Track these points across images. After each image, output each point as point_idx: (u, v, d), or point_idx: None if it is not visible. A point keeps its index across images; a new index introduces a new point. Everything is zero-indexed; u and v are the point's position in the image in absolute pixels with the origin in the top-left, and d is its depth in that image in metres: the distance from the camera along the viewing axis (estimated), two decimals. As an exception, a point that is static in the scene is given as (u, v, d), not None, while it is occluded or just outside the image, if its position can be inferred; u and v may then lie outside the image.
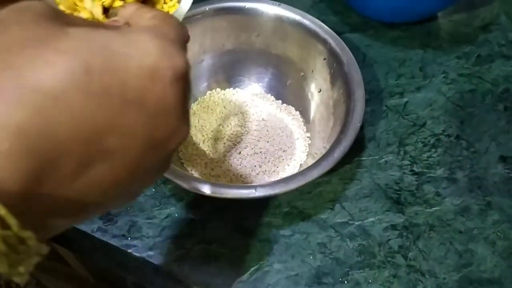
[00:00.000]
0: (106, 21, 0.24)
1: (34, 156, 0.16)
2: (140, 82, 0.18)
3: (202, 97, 0.47)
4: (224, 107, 0.46)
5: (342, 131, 0.38)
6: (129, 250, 0.40)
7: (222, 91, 0.48)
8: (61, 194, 0.17)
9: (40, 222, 0.17)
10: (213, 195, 0.35)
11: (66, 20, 0.18)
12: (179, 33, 0.21)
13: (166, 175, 0.35)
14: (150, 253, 0.40)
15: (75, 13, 0.27)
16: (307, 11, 0.45)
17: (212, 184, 0.35)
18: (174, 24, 0.21)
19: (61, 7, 0.27)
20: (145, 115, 0.18)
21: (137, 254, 0.40)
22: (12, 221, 0.15)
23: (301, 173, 0.36)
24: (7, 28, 0.17)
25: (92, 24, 0.20)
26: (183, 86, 0.19)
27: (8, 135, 0.15)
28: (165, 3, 0.32)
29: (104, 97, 0.17)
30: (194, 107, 0.47)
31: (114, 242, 0.40)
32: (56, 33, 0.17)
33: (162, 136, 0.19)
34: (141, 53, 0.18)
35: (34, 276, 0.56)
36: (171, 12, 0.30)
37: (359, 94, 0.39)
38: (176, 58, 0.19)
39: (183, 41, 0.21)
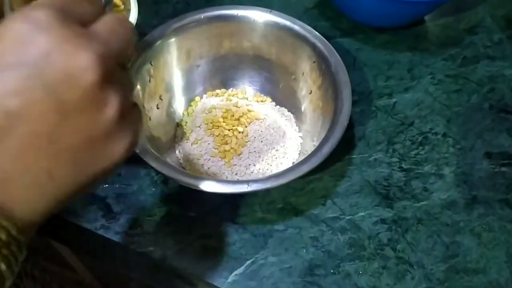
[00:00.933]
0: None
1: None
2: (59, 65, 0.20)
3: (198, 100, 0.50)
4: (220, 109, 0.48)
5: (330, 129, 0.40)
6: (131, 247, 0.42)
7: (217, 93, 0.50)
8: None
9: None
10: (209, 190, 0.37)
11: None
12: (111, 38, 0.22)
13: (165, 172, 0.38)
14: (151, 248, 0.42)
15: None
16: (300, 18, 0.47)
17: (209, 180, 0.37)
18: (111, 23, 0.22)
19: None
20: (82, 105, 0.20)
21: (139, 250, 0.42)
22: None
23: (291, 169, 0.38)
24: None
25: None
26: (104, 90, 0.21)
27: None
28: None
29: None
30: (190, 109, 0.49)
31: (117, 239, 0.43)
32: None
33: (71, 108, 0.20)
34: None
35: (39, 281, 0.58)
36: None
37: (347, 94, 0.41)
38: (89, 55, 0.21)
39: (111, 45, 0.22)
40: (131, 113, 0.23)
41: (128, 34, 0.23)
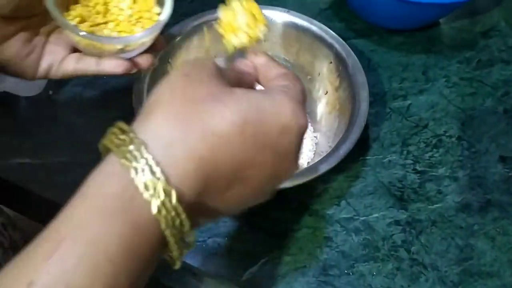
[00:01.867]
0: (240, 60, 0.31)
1: (204, 179, 0.22)
2: (276, 134, 0.24)
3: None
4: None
5: (348, 130, 0.40)
6: (145, 243, 0.42)
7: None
8: (211, 203, 0.24)
9: (194, 222, 0.23)
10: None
11: (227, 78, 0.25)
12: (303, 96, 0.28)
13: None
14: (166, 245, 0.42)
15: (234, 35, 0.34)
16: (315, 18, 0.48)
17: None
18: (300, 87, 0.28)
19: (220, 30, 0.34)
20: (275, 157, 0.25)
21: (153, 247, 0.42)
22: (187, 223, 0.22)
23: (308, 168, 0.38)
24: (192, 82, 0.24)
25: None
26: (302, 138, 0.26)
27: (194, 162, 0.22)
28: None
29: (253, 141, 0.23)
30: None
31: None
32: (225, 92, 0.24)
33: (281, 171, 0.26)
34: (280, 112, 0.24)
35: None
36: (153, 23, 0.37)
37: (364, 95, 0.42)
38: (302, 119, 0.25)
39: (304, 102, 0.28)
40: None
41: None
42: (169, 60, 0.45)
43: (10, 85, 0.47)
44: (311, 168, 0.38)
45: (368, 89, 0.42)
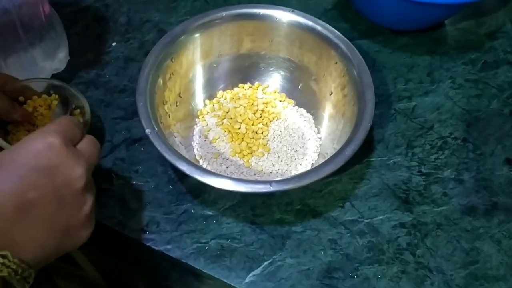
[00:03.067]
0: None
1: None
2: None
3: (218, 97, 0.49)
4: (239, 105, 0.48)
5: (353, 131, 0.39)
6: (147, 244, 0.42)
7: (238, 90, 0.50)
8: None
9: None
10: (232, 189, 0.36)
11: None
12: (70, 130, 0.33)
13: (186, 171, 0.37)
14: (168, 246, 0.42)
15: None
16: (319, 18, 0.47)
17: (230, 179, 0.37)
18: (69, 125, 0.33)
19: None
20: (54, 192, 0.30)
21: (155, 248, 0.42)
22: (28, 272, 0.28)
23: (314, 170, 0.37)
24: None
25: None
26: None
27: None
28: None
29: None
30: (210, 107, 0.49)
31: (133, 236, 0.42)
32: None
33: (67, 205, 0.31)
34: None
35: (50, 279, 0.58)
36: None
37: (369, 96, 0.41)
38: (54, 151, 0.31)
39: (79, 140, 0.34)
40: (94, 210, 0.33)
41: (98, 151, 0.34)
42: (172, 60, 0.44)
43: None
44: (316, 169, 0.37)
45: (374, 90, 0.42)
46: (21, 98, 0.45)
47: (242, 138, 0.46)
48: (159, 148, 0.38)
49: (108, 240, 0.45)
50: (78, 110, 0.45)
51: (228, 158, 0.45)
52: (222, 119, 0.47)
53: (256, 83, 0.50)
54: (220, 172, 0.44)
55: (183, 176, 0.45)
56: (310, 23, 0.46)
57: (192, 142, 0.47)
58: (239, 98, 0.48)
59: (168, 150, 0.38)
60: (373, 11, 0.56)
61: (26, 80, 0.45)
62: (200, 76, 0.48)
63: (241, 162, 0.45)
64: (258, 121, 0.47)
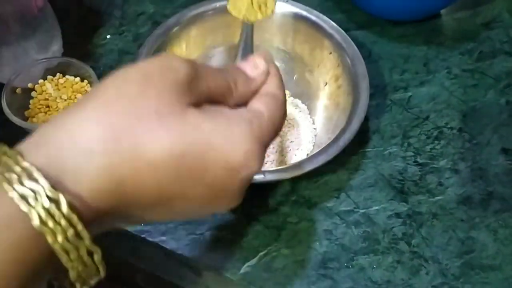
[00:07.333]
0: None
1: (120, 198, 0.20)
2: (219, 173, 0.22)
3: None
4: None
5: (348, 122, 0.39)
6: (142, 236, 0.42)
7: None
8: (131, 213, 0.22)
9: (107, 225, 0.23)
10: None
11: (190, 98, 0.22)
12: (273, 136, 0.25)
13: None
14: (163, 238, 0.42)
15: None
16: (314, 9, 0.47)
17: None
18: (274, 121, 0.24)
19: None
20: (211, 193, 0.22)
21: (151, 239, 0.42)
22: (86, 236, 0.20)
23: (308, 159, 0.37)
24: (146, 90, 0.21)
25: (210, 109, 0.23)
26: (248, 183, 0.23)
27: (110, 180, 0.20)
28: None
29: (187, 175, 0.21)
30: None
31: (129, 228, 0.42)
32: (175, 114, 0.21)
33: (216, 206, 0.24)
34: (230, 152, 0.22)
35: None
36: None
37: (364, 86, 0.41)
38: (254, 165, 0.23)
39: (271, 138, 0.25)
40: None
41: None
42: (166, 51, 0.44)
43: (5, 76, 0.46)
44: (310, 159, 0.37)
45: (368, 80, 0.42)
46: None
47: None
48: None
49: (103, 233, 0.45)
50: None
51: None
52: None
53: None
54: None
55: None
56: (304, 13, 0.45)
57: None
58: None
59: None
60: (369, 2, 0.56)
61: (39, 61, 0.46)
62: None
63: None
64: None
